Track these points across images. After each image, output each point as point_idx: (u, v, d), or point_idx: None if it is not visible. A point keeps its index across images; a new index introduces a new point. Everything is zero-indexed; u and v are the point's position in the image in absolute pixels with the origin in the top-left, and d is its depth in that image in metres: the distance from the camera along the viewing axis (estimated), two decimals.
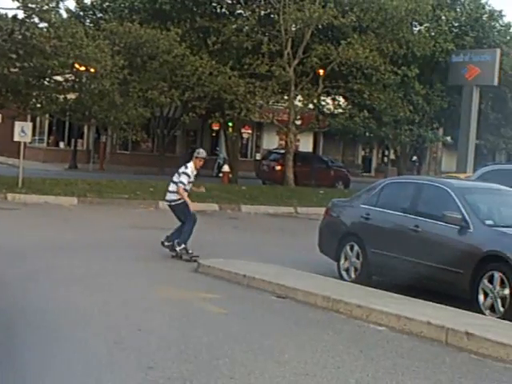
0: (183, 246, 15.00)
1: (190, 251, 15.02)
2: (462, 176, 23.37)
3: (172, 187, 15.52)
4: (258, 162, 47.84)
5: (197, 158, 15.63)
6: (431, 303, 11.05)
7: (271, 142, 56.93)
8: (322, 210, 15.67)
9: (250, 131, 53.36)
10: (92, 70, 32.90)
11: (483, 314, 10.88)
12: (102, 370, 7.36)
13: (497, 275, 10.94)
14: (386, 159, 66.58)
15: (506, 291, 10.79)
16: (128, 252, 15.22)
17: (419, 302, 11.20)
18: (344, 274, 13.59)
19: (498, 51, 39.06)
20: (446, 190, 12.42)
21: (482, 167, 17.23)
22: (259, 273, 12.85)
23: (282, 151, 41.21)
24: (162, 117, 47.77)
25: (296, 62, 37.97)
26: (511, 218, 12.32)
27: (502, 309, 10.84)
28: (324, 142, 58.82)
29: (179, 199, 15.32)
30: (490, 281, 11.02)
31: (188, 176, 15.40)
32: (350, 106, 40.81)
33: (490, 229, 11.59)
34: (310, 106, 40.80)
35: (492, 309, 10.96)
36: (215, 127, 51.44)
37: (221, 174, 41.01)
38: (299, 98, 39.36)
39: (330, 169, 45.47)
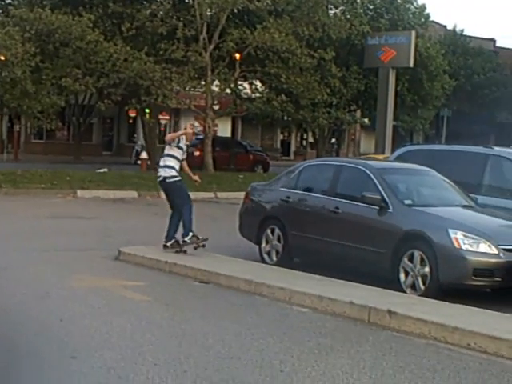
0: (191, 233, 13.23)
1: (200, 237, 13.37)
2: (380, 157, 23.66)
3: (169, 161, 13.43)
4: None
5: (192, 130, 13.70)
6: (353, 283, 11.13)
7: None
8: (242, 195, 15.63)
9: (167, 117, 53.02)
10: (2, 57, 32.18)
11: (405, 292, 11.02)
12: (23, 361, 7.21)
13: (417, 254, 11.09)
14: (304, 142, 67.04)
15: (426, 269, 10.94)
16: (47, 242, 14.93)
17: (341, 282, 11.27)
18: (266, 257, 13.59)
19: (413, 33, 39.53)
20: (364, 171, 12.50)
21: (400, 148, 17.38)
22: (181, 259, 12.78)
23: (201, 136, 41.03)
24: (77, 104, 47.11)
25: (212, 46, 37.82)
26: (429, 197, 12.50)
27: (422, 287, 10.98)
28: (242, 126, 58.90)
29: (176, 176, 13.39)
30: (411, 259, 11.15)
31: (181, 149, 13.59)
32: (267, 90, 40.83)
33: (408, 208, 11.73)
34: (228, 90, 40.71)
35: (413, 287, 11.10)
36: (132, 114, 50.99)
37: (139, 162, 40.67)
38: (216, 82, 39.21)
39: (249, 153, 45.53)
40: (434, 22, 52.68)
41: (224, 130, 51.69)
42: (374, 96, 41.08)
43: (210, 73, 38.02)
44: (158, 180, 13.60)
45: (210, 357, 7.64)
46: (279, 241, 13.38)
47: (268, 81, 39.94)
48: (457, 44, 58.81)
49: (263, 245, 13.68)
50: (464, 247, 10.79)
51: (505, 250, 10.85)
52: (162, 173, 13.42)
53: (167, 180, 13.36)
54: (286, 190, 13.66)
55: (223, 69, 38.41)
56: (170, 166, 13.36)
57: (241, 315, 9.67)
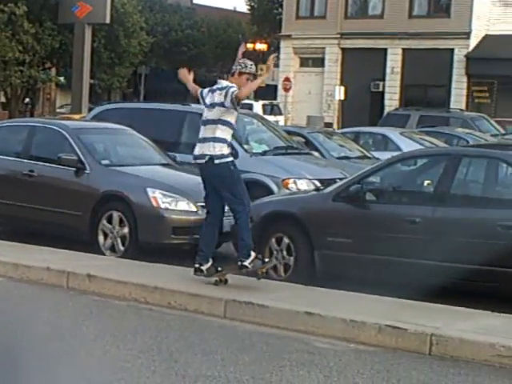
0: (253, 253, 8.78)
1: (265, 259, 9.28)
2: (76, 117, 23.16)
3: (220, 130, 8.80)
4: None
5: (244, 73, 8.98)
6: (51, 249, 10.77)
7: None
8: None
9: None
10: None
11: (104, 255, 10.85)
12: None
13: (116, 215, 10.95)
14: None
15: (126, 230, 10.85)
16: None
17: (38, 248, 10.84)
18: None
19: None
20: (60, 131, 12.11)
21: (98, 107, 17.12)
22: None
23: None
24: None
25: None
26: (127, 157, 12.39)
27: (122, 248, 10.87)
28: None
29: (229, 155, 8.86)
30: (110, 221, 11.00)
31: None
32: None
33: (106, 169, 11.56)
34: None
35: (113, 249, 10.96)
36: None
37: None
38: None
39: None
40: None
41: None
42: (69, 53, 40.06)
43: None
44: (200, 161, 8.97)
45: None
46: None
47: None
48: (154, 0, 59.04)
49: None
50: (163, 206, 10.82)
51: (203, 207, 10.96)
52: (208, 149, 8.87)
53: (216, 161, 8.80)
54: None
55: None
56: (222, 138, 8.88)
57: None
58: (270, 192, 12.72)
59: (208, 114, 8.92)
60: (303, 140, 16.61)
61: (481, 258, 8.76)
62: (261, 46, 47.81)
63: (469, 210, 9.25)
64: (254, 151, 13.99)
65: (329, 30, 40.03)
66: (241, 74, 8.92)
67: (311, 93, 41.49)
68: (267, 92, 43.95)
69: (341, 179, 11.28)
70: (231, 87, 8.74)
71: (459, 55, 37.70)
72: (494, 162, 9.58)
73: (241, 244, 8.84)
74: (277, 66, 45.22)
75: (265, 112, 34.21)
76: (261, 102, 37.16)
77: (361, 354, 7.19)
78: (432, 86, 38.26)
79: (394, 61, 38.70)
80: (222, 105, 8.74)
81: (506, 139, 23.01)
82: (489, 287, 8.77)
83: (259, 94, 44.73)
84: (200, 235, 9.22)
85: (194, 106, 15.96)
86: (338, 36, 40.26)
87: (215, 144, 8.75)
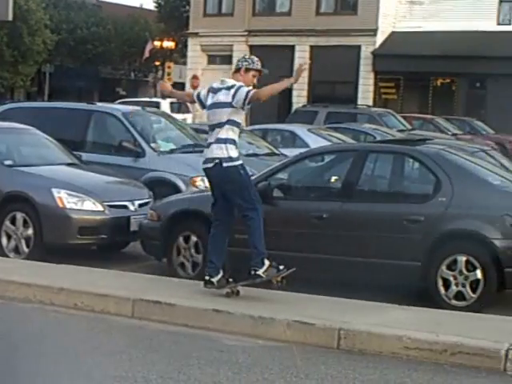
0: (267, 262, 8.18)
1: (280, 266, 8.31)
2: None
3: (230, 131, 8.27)
4: None
5: (251, 69, 8.43)
6: None
7: None
8: None
9: None
10: None
11: (8, 256, 10.59)
12: None
13: (19, 216, 10.70)
14: None
15: (30, 231, 10.61)
16: None
17: None
18: None
19: None
20: None
21: (0, 106, 16.76)
22: None
23: None
24: None
25: None
26: (31, 157, 12.13)
27: (26, 249, 10.63)
28: None
29: (238, 158, 8.32)
30: (13, 222, 10.74)
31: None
32: None
33: (9, 169, 11.29)
34: None
35: (17, 250, 10.70)
36: None
37: None
38: None
39: None
40: None
41: None
42: None
43: None
44: (208, 166, 8.35)
45: None
46: None
47: None
48: None
49: None
50: (68, 206, 10.64)
51: (110, 206, 10.88)
52: (216, 152, 8.28)
53: (224, 164, 8.24)
54: None
55: None
56: (231, 139, 8.30)
57: None
58: (178, 190, 12.64)
59: (214, 118, 8.29)
60: None
61: (388, 252, 8.87)
62: (168, 44, 47.53)
63: (376, 205, 9.35)
64: (162, 150, 13.87)
65: (236, 27, 40.07)
66: (247, 70, 8.34)
67: None
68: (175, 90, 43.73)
69: None
70: (241, 86, 8.17)
71: (366, 52, 38.21)
72: (401, 158, 9.71)
73: (254, 252, 8.18)
74: (184, 63, 45.20)
75: (173, 110, 33.93)
76: (168, 100, 36.83)
77: (270, 350, 7.19)
78: (340, 82, 38.67)
79: (302, 58, 38.92)
80: (229, 105, 8.16)
81: (413, 134, 23.41)
82: (396, 280, 8.87)
83: None
84: (209, 246, 8.51)
85: (99, 104, 15.84)
86: (246, 33, 40.35)
87: (222, 145, 8.16)
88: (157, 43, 47.17)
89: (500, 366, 6.71)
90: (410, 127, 27.69)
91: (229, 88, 8.20)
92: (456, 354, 6.84)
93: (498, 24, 36.82)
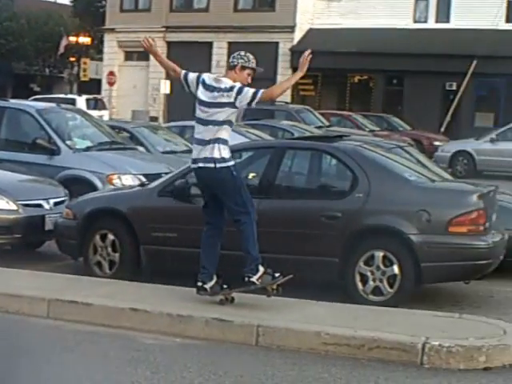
0: (261, 268, 7.90)
1: (276, 273, 7.98)
2: None
3: (224, 131, 7.99)
4: None
5: (246, 67, 8.29)
6: None
7: None
8: None
9: None
10: None
11: None
12: None
13: None
14: None
15: None
16: None
17: None
18: None
19: None
20: None
21: None
22: None
23: None
24: None
25: None
26: None
27: None
28: None
29: (231, 159, 8.07)
30: None
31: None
32: None
33: None
34: None
35: None
36: None
37: None
38: None
39: None
40: None
41: None
42: None
43: None
44: (199, 165, 8.01)
45: None
46: None
47: None
48: None
49: None
50: None
51: (24, 205, 10.66)
52: (209, 152, 7.94)
53: (217, 165, 7.94)
54: None
55: None
56: (225, 140, 8.04)
57: None
58: (95, 188, 12.47)
59: (208, 114, 7.91)
60: (128, 135, 16.39)
61: (306, 248, 8.90)
62: (84, 40, 46.86)
63: (293, 202, 9.37)
64: (77, 147, 13.65)
65: (154, 23, 39.74)
66: (243, 68, 8.13)
67: (136, 87, 41.11)
68: (91, 86, 43.25)
69: (166, 174, 11.18)
70: (243, 87, 7.93)
71: (284, 48, 38.35)
72: (318, 154, 9.73)
73: (247, 258, 7.90)
74: (101, 59, 44.66)
75: (89, 107, 33.56)
76: (84, 97, 36.41)
77: (188, 348, 7.14)
78: (258, 79, 38.05)
79: (220, 54, 38.91)
80: (232, 105, 7.86)
81: (330, 131, 23.58)
82: (315, 277, 8.91)
83: (83, 88, 44.05)
84: (201, 251, 8.12)
85: (12, 101, 15.52)
86: (163, 29, 40.08)
87: (215, 145, 7.86)
88: (72, 39, 46.47)
89: (417, 359, 6.80)
90: (327, 124, 27.92)
91: (228, 90, 7.89)
92: (374, 348, 6.91)
93: (415, 22, 37.40)
